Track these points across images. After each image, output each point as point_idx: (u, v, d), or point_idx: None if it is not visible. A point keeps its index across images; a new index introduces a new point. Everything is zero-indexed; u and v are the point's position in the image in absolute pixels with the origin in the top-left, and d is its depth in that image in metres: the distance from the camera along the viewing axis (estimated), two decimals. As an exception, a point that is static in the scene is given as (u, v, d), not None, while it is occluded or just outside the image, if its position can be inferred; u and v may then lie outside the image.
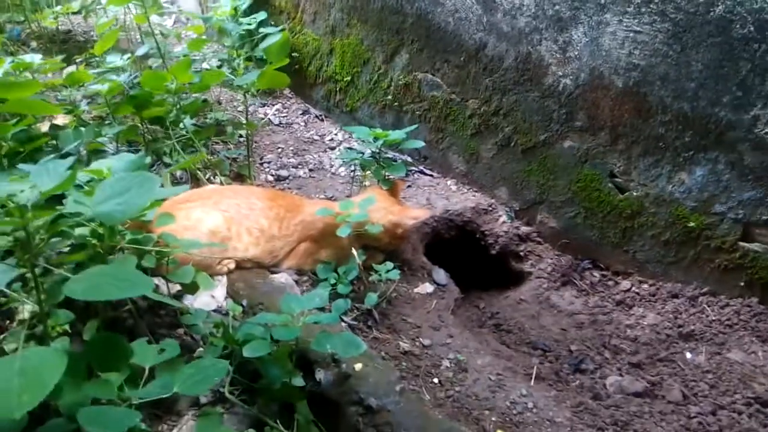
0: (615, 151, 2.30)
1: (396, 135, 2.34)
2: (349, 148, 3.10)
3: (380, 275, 2.11)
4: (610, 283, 2.40)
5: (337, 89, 3.34)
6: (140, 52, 2.43)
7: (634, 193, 2.29)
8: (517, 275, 2.71)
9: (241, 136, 3.22)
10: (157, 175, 2.32)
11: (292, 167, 3.03)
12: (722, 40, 1.92)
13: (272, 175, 2.92)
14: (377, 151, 2.42)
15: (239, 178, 2.82)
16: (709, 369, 1.97)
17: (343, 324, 2.03)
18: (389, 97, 3.05)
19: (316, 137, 3.33)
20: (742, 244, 2.09)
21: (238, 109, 3.54)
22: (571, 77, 2.33)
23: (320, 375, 1.78)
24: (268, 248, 2.16)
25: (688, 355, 2.03)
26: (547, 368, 2.16)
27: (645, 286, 2.31)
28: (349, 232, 2.05)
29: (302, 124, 3.45)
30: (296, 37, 3.50)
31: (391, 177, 2.38)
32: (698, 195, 2.13)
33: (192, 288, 1.92)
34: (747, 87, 1.92)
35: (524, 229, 2.68)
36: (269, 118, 3.46)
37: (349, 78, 3.23)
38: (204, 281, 1.91)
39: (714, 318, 2.12)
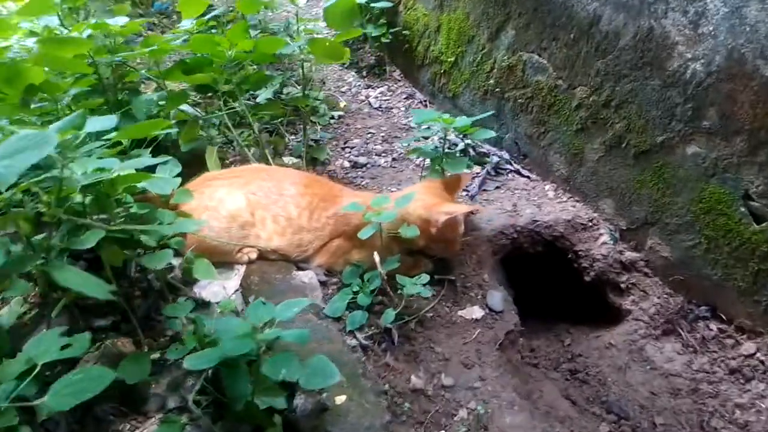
0: (753, 165, 1.67)
1: (462, 122, 1.94)
2: (430, 141, 2.73)
3: (406, 288, 1.74)
4: (729, 341, 1.77)
5: (442, 71, 2.97)
6: (210, 15, 2.29)
7: (776, 225, 1.65)
8: (615, 311, 2.16)
9: (332, 117, 3.02)
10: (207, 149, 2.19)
11: (376, 155, 2.74)
12: None
13: (349, 162, 2.66)
14: (443, 140, 2.05)
15: (314, 162, 2.61)
16: None
17: (354, 341, 1.71)
18: (491, 81, 2.62)
19: (413, 125, 3.00)
20: None
21: (342, 89, 3.34)
22: (702, 61, 1.74)
23: (299, 401, 1.49)
24: (295, 240, 1.91)
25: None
26: (615, 441, 1.65)
27: (777, 355, 1.67)
28: (372, 234, 1.72)
29: (403, 109, 3.14)
30: (408, 13, 3.18)
31: (450, 173, 1.99)
32: None
33: (188, 273, 1.74)
34: None
35: (629, 254, 2.11)
36: (369, 101, 3.20)
37: (452, 59, 2.85)
38: (202, 269, 1.72)
39: None
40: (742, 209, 1.73)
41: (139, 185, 1.68)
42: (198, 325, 1.55)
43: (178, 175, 1.84)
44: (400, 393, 1.58)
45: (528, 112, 2.46)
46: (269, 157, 2.19)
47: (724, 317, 1.84)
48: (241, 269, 1.91)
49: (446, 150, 2.11)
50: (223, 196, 1.87)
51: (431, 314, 1.83)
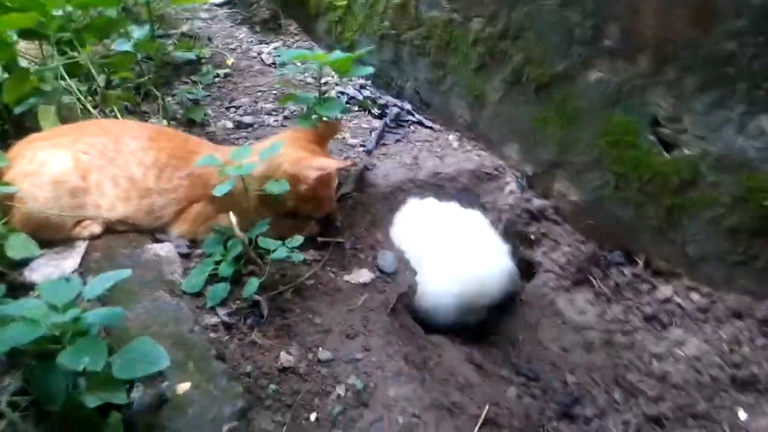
0: (660, 85, 1.48)
1: (337, 57, 1.67)
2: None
3: (273, 252, 1.48)
4: (644, 286, 1.59)
5: (337, 19, 2.70)
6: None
7: (686, 151, 1.47)
8: (527, 265, 1.97)
9: (218, 76, 2.70)
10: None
11: (265, 114, 2.44)
12: None
13: (233, 122, 2.36)
14: (318, 80, 1.79)
15: (191, 123, 2.30)
16: (774, 447, 1.16)
17: (215, 319, 1.44)
18: (386, 23, 2.36)
19: (310, 79, 2.72)
20: None
21: (231, 46, 3.02)
22: (599, -30, 1.53)
23: (136, 394, 1.21)
24: (144, 206, 1.60)
25: (742, 415, 1.24)
26: (522, 407, 1.44)
27: (695, 296, 1.48)
28: (230, 192, 1.45)
29: (299, 64, 2.84)
30: (298, -44, 2.89)
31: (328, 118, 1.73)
32: (787, 154, 1.28)
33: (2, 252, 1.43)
34: None
35: (537, 202, 1.92)
36: (261, 57, 2.89)
37: (346, 2, 2.58)
38: (18, 245, 1.42)
39: (798, 360, 1.28)
40: (651, 137, 1.54)
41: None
42: None
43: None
44: (265, 374, 1.32)
45: (426, 55, 2.22)
46: (118, 116, 1.86)
47: (638, 261, 1.65)
48: (83, 246, 1.60)
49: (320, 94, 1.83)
50: (44, 158, 1.54)
51: (312, 282, 1.58)
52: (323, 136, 1.69)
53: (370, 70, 1.74)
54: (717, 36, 1.33)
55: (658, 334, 1.47)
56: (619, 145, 1.62)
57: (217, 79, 2.67)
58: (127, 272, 1.17)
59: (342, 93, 2.53)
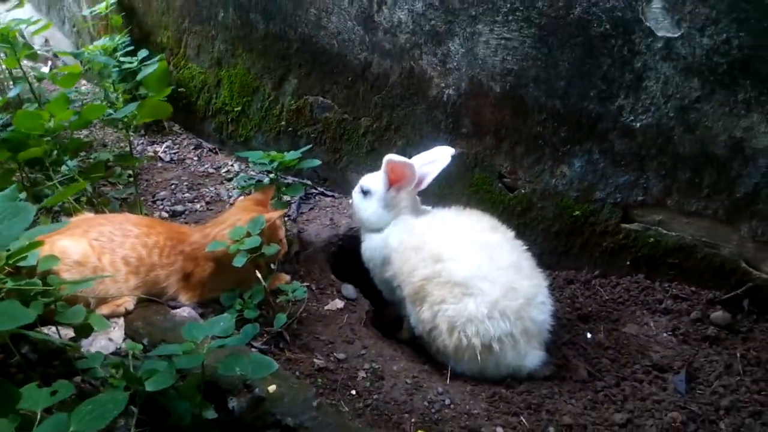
0: (501, 153, 2.42)
1: (292, 155, 2.34)
2: (251, 177, 3.07)
3: (288, 296, 2.08)
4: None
5: (229, 120, 3.30)
6: (12, 93, 2.29)
7: (523, 191, 2.42)
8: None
9: (130, 175, 3.11)
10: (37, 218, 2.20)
11: (188, 202, 2.94)
12: (583, 39, 2.09)
13: (167, 212, 2.82)
14: (274, 173, 2.41)
15: (132, 217, 2.71)
16: (609, 345, 2.08)
17: (254, 349, 1.97)
18: (282, 122, 3.06)
19: (211, 170, 3.26)
20: (623, 225, 2.25)
21: (126, 149, 3.41)
22: (453, 87, 2.44)
23: (233, 403, 1.72)
24: (152, 278, 2.05)
25: (589, 335, 2.14)
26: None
27: (543, 276, 2.42)
28: (245, 261, 1.99)
29: (195, 158, 3.37)
30: (180, 72, 3.43)
31: (288, 199, 2.37)
32: (579, 185, 2.28)
33: (85, 331, 1.81)
34: (610, 80, 2.09)
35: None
36: (159, 156, 3.35)
37: (239, 108, 3.21)
38: (98, 322, 1.81)
39: (607, 297, 2.25)
40: (500, 185, 2.47)
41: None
42: (124, 366, 1.67)
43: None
44: (309, 375, 1.90)
45: (322, 144, 2.96)
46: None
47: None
48: (120, 320, 2.00)
49: (278, 180, 2.47)
50: (65, 246, 1.90)
51: (305, 314, 2.18)
52: (264, 199, 2.27)
53: (317, 162, 2.44)
54: (530, 123, 2.31)
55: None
56: (479, 192, 2.53)
57: (130, 179, 3.07)
58: (228, 316, 1.69)
59: (251, 177, 3.12)
